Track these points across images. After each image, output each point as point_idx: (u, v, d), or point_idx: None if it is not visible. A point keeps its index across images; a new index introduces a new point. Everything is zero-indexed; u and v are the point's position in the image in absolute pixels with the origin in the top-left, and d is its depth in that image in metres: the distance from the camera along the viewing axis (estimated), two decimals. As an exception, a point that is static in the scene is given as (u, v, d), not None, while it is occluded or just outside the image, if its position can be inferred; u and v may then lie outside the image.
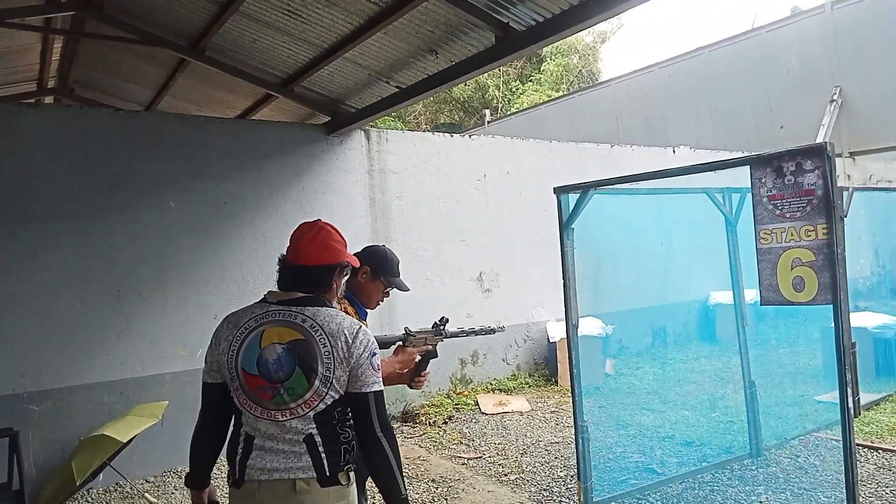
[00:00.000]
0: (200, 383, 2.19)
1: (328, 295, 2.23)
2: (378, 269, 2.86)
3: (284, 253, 2.26)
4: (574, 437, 4.21)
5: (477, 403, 7.01)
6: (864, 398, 6.01)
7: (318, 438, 2.06)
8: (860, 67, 11.11)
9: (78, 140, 5.44)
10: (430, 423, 6.47)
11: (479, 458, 5.50)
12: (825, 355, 6.74)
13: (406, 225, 7.19)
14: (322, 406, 2.05)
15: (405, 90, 5.86)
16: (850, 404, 2.80)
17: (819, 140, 9.92)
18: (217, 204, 6.02)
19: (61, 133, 5.39)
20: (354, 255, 2.52)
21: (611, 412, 6.47)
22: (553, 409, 6.78)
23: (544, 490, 4.71)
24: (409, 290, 2.96)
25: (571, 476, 4.88)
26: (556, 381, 7.69)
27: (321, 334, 2.06)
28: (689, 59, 13.93)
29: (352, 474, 2.14)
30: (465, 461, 5.44)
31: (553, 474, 5.01)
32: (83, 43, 7.69)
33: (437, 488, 4.84)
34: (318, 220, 2.33)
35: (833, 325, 2.85)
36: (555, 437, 5.92)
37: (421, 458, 5.51)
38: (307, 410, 2.04)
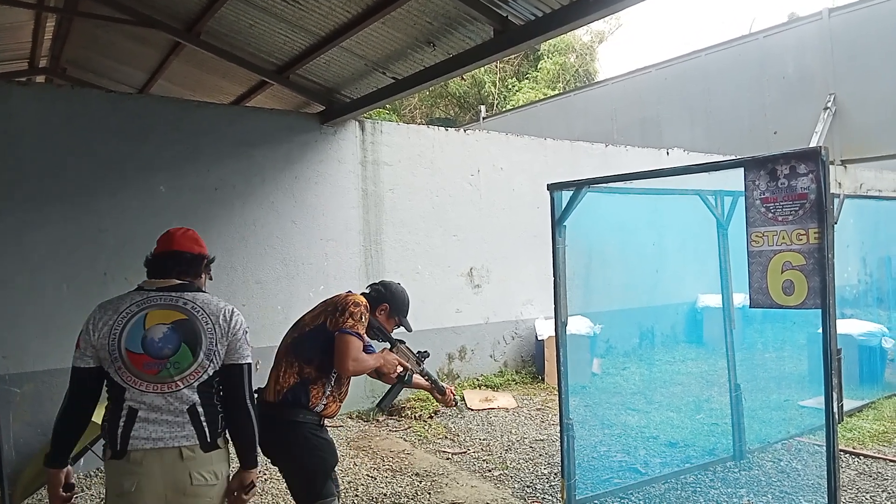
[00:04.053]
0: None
1: (198, 285, 2.50)
2: (395, 310, 3.21)
3: (150, 254, 2.50)
4: (559, 434, 4.21)
5: (463, 399, 7.00)
6: (848, 404, 6.06)
7: (200, 409, 2.31)
8: (855, 76, 11.16)
9: (69, 120, 5.37)
10: (415, 416, 6.45)
11: (464, 453, 5.49)
12: (811, 361, 6.79)
13: (398, 218, 7.16)
14: (205, 377, 2.33)
15: (401, 81, 5.83)
16: (835, 409, 2.80)
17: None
18: (208, 190, 5.97)
19: (52, 113, 5.32)
20: (371, 285, 3.23)
21: (596, 411, 6.49)
22: (539, 407, 6.79)
23: (528, 487, 4.71)
24: (412, 331, 3.28)
25: (555, 473, 4.88)
26: (543, 379, 7.70)
27: (203, 314, 2.35)
28: (685, 61, 13.94)
29: (225, 440, 2.41)
30: (450, 456, 5.43)
31: (537, 471, 5.01)
32: (76, 22, 7.58)
33: (420, 482, 4.83)
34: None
35: (821, 329, 2.85)
36: (540, 434, 5.92)
37: (405, 452, 5.50)
38: (192, 381, 2.30)
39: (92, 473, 5.21)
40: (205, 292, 2.47)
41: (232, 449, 2.49)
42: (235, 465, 2.51)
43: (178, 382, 2.29)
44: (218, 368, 2.35)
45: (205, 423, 2.31)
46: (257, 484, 4.88)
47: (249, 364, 2.42)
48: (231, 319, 2.38)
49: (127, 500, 2.27)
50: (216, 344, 2.33)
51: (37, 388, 5.16)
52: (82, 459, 5.03)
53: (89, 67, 9.68)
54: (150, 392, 2.27)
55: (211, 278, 2.65)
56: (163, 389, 2.27)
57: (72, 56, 9.25)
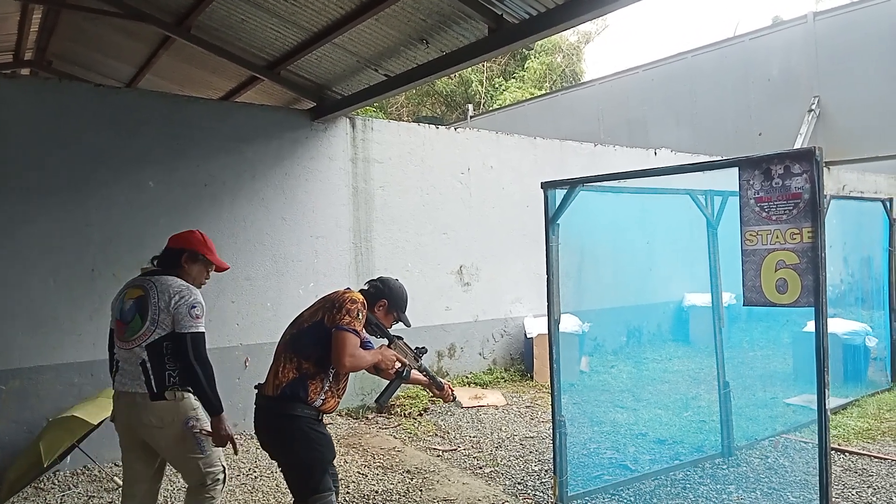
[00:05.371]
0: None
1: (179, 273, 3.19)
2: (393, 306, 3.26)
3: None
4: (552, 431, 4.23)
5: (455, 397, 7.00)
6: (833, 402, 6.12)
7: (148, 364, 3.02)
8: (839, 79, 11.31)
9: (57, 114, 5.30)
10: (405, 414, 6.45)
11: (454, 450, 5.50)
12: (796, 359, 6.89)
13: (388, 215, 7.15)
14: (152, 339, 3.03)
15: (393, 79, 5.82)
16: (827, 405, 2.85)
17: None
18: (197, 185, 5.92)
19: (39, 106, 5.24)
20: (369, 281, 3.28)
21: (585, 409, 6.52)
22: (528, 404, 6.81)
23: (518, 484, 4.73)
24: (411, 326, 3.33)
25: (546, 470, 4.90)
26: (532, 377, 7.73)
27: (156, 291, 3.08)
28: (671, 63, 14.05)
29: (179, 393, 3.04)
30: (440, 453, 5.43)
31: (527, 468, 5.03)
32: (64, 14, 7.48)
33: (411, 479, 4.83)
34: (197, 229, 3.38)
35: (814, 327, 2.89)
36: (529, 431, 5.95)
37: (396, 449, 5.50)
38: (142, 341, 3.04)
39: (79, 471, 5.15)
40: (173, 276, 3.15)
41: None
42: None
43: (134, 341, 3.05)
44: (165, 334, 3.03)
45: (152, 377, 3.01)
46: (248, 482, 4.86)
47: (194, 333, 3.03)
48: (174, 296, 3.04)
49: (117, 426, 3.21)
50: (159, 314, 3.03)
51: (23, 385, 5.09)
52: (69, 457, 5.00)
53: (76, 61, 9.56)
54: (122, 349, 3.11)
55: (194, 268, 3.26)
56: (127, 347, 3.08)
57: (58, 49, 9.13)
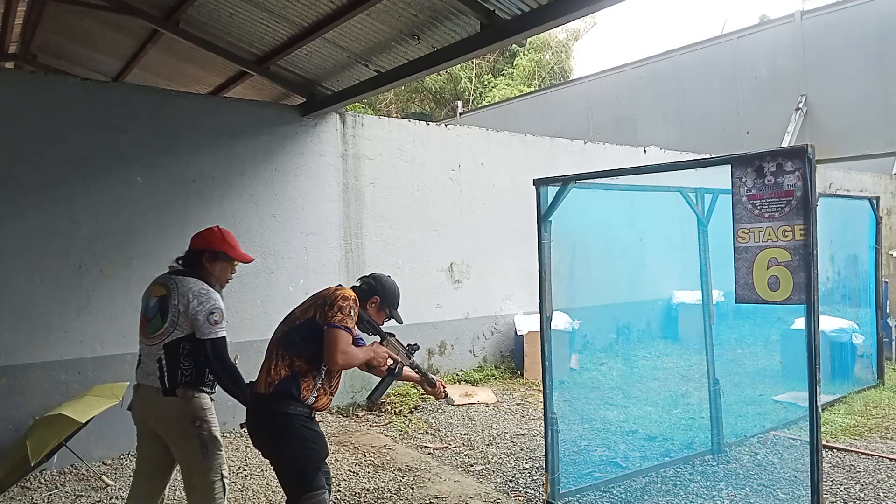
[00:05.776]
0: None
1: (201, 273, 3.19)
2: (385, 302, 3.25)
3: None
4: (544, 428, 4.23)
5: (447, 395, 6.99)
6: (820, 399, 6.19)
7: (164, 362, 3.05)
8: (826, 78, 11.38)
9: (42, 108, 5.22)
10: (395, 412, 6.43)
11: (445, 448, 5.49)
12: (784, 356, 6.93)
13: (378, 212, 7.12)
14: (169, 339, 3.06)
15: (384, 74, 5.79)
16: (818, 402, 2.86)
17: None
18: (186, 181, 5.87)
19: (25, 100, 5.17)
20: (361, 278, 3.27)
21: (575, 406, 6.53)
22: (519, 402, 6.81)
23: (510, 481, 4.72)
24: (403, 323, 3.33)
25: (537, 468, 4.90)
26: (522, 374, 7.73)
27: (177, 293, 3.09)
28: (660, 61, 14.09)
29: (190, 392, 3.07)
30: (431, 451, 5.42)
31: (518, 466, 5.03)
32: (49, 7, 7.38)
33: (402, 477, 4.81)
34: (216, 225, 3.36)
35: (805, 324, 2.90)
36: (520, 429, 5.95)
37: (387, 447, 5.48)
38: (160, 340, 3.08)
39: (66, 470, 5.10)
40: (194, 278, 3.14)
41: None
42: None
43: (154, 339, 3.10)
44: (183, 336, 3.04)
45: (165, 375, 3.05)
46: (238, 480, 4.83)
47: (213, 339, 3.04)
48: (192, 301, 3.04)
49: (133, 416, 3.24)
50: (178, 316, 3.05)
51: (9, 382, 5.02)
52: (56, 455, 4.94)
53: (61, 54, 9.43)
54: (144, 343, 3.17)
55: (216, 266, 3.23)
56: (148, 343, 3.14)
57: (43, 42, 9.00)
